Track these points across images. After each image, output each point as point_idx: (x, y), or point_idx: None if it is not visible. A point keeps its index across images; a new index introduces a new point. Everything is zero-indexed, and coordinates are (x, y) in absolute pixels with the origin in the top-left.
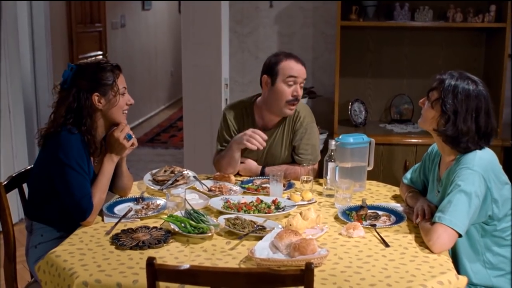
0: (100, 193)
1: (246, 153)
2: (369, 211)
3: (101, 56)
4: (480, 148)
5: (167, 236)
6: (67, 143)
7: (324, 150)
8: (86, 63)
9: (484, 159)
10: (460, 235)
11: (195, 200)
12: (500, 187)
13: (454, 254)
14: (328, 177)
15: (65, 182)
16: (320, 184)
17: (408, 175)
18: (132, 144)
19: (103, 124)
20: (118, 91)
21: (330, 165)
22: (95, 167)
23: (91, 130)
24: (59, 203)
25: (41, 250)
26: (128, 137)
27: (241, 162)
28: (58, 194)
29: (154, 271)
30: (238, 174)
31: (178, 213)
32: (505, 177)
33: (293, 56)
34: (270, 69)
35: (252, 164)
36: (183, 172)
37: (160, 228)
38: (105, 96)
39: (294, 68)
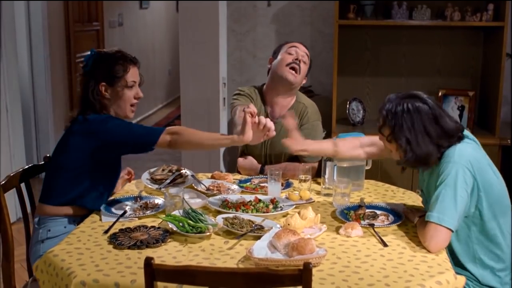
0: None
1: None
2: (367, 210)
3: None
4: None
5: (165, 235)
6: (106, 116)
7: None
8: (104, 52)
9: (463, 149)
10: (452, 231)
11: (193, 199)
12: (485, 173)
13: (452, 253)
14: (326, 176)
15: (128, 128)
16: (318, 183)
17: None
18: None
19: (115, 114)
20: (126, 84)
21: (328, 164)
22: None
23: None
24: (91, 180)
25: (47, 246)
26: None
27: (244, 158)
28: (117, 145)
29: (152, 271)
30: (237, 172)
31: (176, 212)
32: (486, 161)
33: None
34: (275, 52)
35: (252, 161)
36: (181, 171)
37: (158, 228)
38: (112, 87)
39: (296, 44)
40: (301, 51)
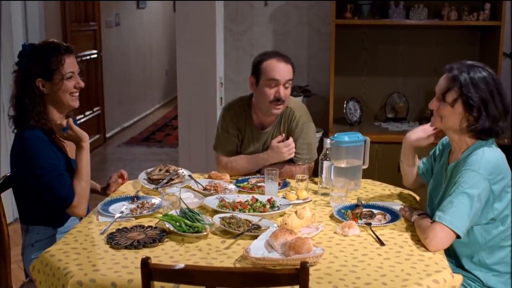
0: (79, 180)
1: (244, 152)
2: (364, 209)
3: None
4: (497, 134)
5: (162, 235)
6: (31, 145)
7: (319, 148)
8: (37, 45)
9: (490, 161)
10: (458, 237)
11: (190, 199)
12: (505, 189)
13: (451, 253)
14: (323, 175)
15: (42, 182)
16: (316, 183)
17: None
18: (69, 135)
19: (55, 109)
20: (64, 76)
21: (325, 163)
22: (69, 151)
23: (42, 118)
24: (44, 200)
25: (38, 248)
26: (63, 130)
27: None
28: (40, 193)
29: (149, 270)
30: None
31: (173, 212)
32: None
33: (277, 55)
34: (255, 69)
35: None
36: (178, 171)
37: (155, 227)
38: (49, 82)
39: (275, 69)
40: (282, 79)
